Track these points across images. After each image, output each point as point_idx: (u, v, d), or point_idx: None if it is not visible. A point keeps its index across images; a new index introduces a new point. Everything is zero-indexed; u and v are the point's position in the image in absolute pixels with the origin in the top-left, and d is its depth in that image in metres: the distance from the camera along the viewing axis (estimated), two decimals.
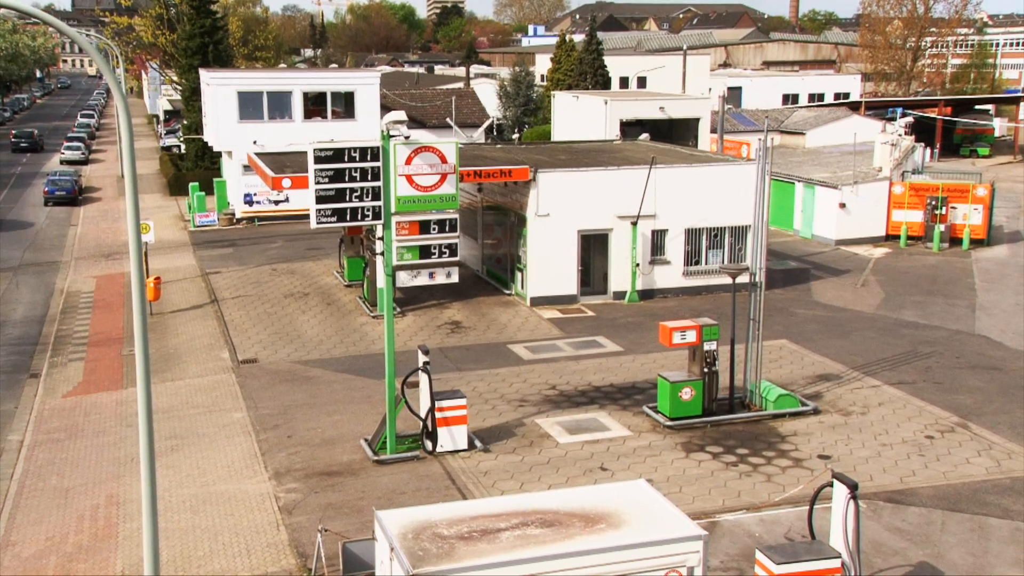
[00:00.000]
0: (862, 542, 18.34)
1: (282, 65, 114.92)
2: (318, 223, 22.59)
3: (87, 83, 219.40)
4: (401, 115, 22.93)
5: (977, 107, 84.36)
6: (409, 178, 22.69)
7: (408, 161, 22.61)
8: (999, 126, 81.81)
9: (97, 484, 23.09)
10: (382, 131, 22.74)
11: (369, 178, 22.51)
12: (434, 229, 23.15)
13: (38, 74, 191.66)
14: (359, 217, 22.74)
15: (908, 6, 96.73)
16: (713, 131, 57.26)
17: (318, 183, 22.31)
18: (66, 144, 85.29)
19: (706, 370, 25.40)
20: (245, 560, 19.34)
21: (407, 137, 22.98)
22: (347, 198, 22.46)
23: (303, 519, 20.72)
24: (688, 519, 13.61)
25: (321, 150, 22.38)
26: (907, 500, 21.52)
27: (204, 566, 19.16)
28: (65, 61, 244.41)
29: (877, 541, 19.65)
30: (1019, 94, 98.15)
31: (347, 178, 22.39)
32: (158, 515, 15.04)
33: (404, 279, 23.58)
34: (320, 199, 22.36)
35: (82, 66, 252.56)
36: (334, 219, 22.64)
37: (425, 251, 23.17)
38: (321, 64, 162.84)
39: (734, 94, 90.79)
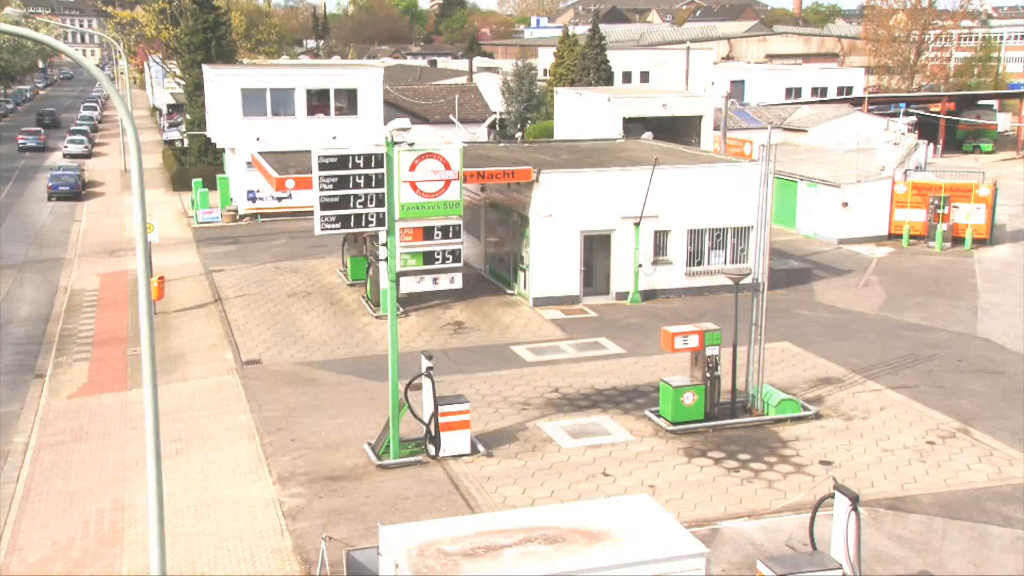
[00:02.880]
0: (863, 551, 18.45)
1: (284, 57, 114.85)
2: (322, 230, 22.72)
3: (89, 74, 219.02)
4: (405, 122, 22.99)
5: (980, 102, 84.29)
6: (413, 184, 22.78)
7: (412, 168, 22.70)
8: (1002, 122, 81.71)
9: (102, 488, 23.23)
10: (386, 138, 22.82)
11: (373, 185, 22.61)
12: (438, 235, 23.24)
13: (40, 65, 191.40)
14: (363, 223, 22.86)
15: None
16: (716, 128, 57.29)
17: (322, 190, 22.39)
18: (69, 137, 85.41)
19: (708, 375, 25.52)
20: (250, 566, 19.48)
21: (411, 144, 23.06)
22: (351, 205, 22.57)
23: (307, 525, 20.85)
24: (691, 535, 13.72)
25: (325, 156, 22.45)
26: (908, 507, 21.63)
27: (209, 572, 19.31)
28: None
29: (878, 549, 19.76)
30: (1023, 89, 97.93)
31: (351, 185, 22.49)
32: (164, 520, 15.16)
33: (408, 285, 23.65)
34: (324, 206, 22.46)
35: (85, 56, 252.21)
36: (338, 226, 22.77)
37: (429, 257, 23.25)
38: (324, 55, 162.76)
39: (737, 87, 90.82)
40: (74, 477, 23.91)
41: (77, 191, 64.35)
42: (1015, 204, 57.26)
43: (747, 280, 27.37)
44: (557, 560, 12.85)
